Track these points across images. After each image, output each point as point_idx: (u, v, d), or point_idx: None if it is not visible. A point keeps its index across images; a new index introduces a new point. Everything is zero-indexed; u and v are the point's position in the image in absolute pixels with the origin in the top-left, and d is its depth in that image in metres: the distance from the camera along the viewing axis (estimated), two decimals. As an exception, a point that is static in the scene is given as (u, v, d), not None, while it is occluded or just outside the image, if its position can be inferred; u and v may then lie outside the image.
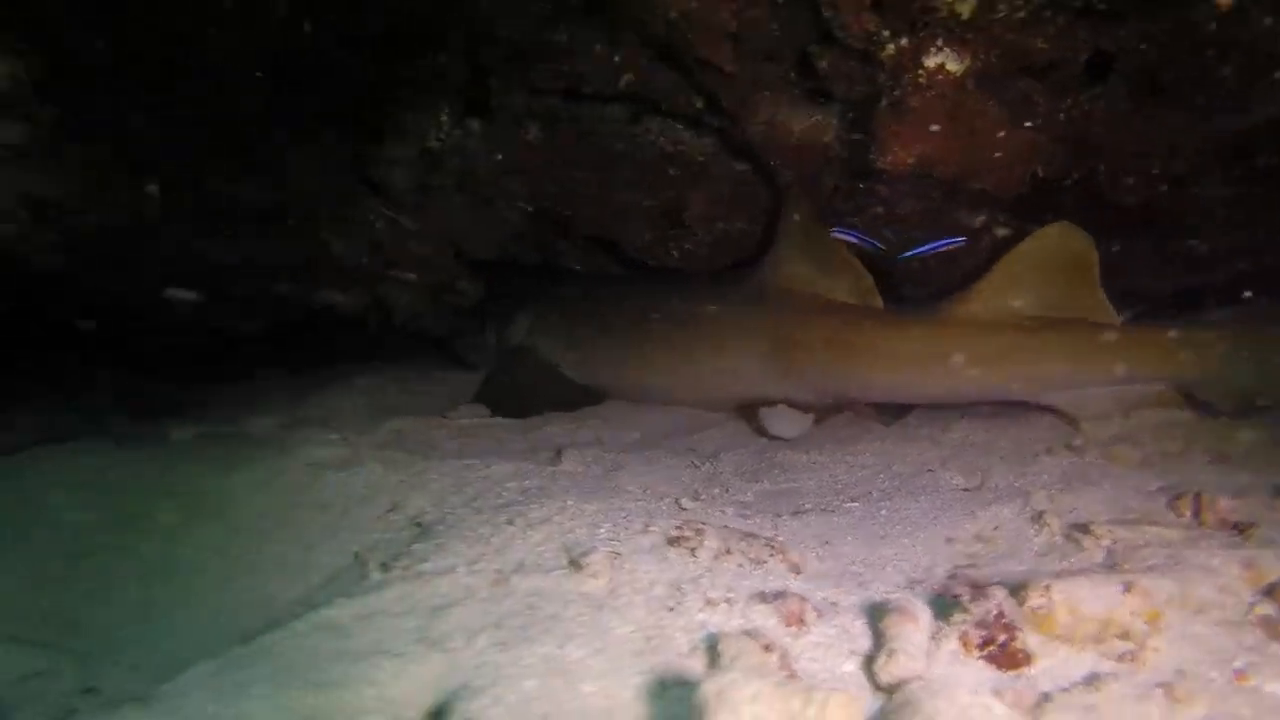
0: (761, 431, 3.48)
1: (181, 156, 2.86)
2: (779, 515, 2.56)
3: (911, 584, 2.11)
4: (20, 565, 2.71)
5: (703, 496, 2.74)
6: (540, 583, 1.76)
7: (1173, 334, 3.07)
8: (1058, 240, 3.10)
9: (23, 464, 3.23)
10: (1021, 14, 2.35)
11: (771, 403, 3.52)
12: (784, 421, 3.35)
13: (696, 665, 1.52)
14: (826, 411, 3.49)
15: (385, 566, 2.07)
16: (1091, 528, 2.19)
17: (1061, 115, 2.91)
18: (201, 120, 2.84)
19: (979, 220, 3.59)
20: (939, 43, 2.48)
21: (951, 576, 2.15)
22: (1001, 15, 2.35)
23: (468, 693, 1.38)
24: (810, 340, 3.53)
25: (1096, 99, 2.79)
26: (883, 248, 3.61)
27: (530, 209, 3.98)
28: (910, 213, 3.60)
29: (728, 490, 2.91)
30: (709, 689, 1.22)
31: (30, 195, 2.59)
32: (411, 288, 3.95)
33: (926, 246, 3.08)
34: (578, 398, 4.28)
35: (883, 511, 2.64)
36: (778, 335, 3.62)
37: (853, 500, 2.76)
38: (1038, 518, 2.40)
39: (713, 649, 1.52)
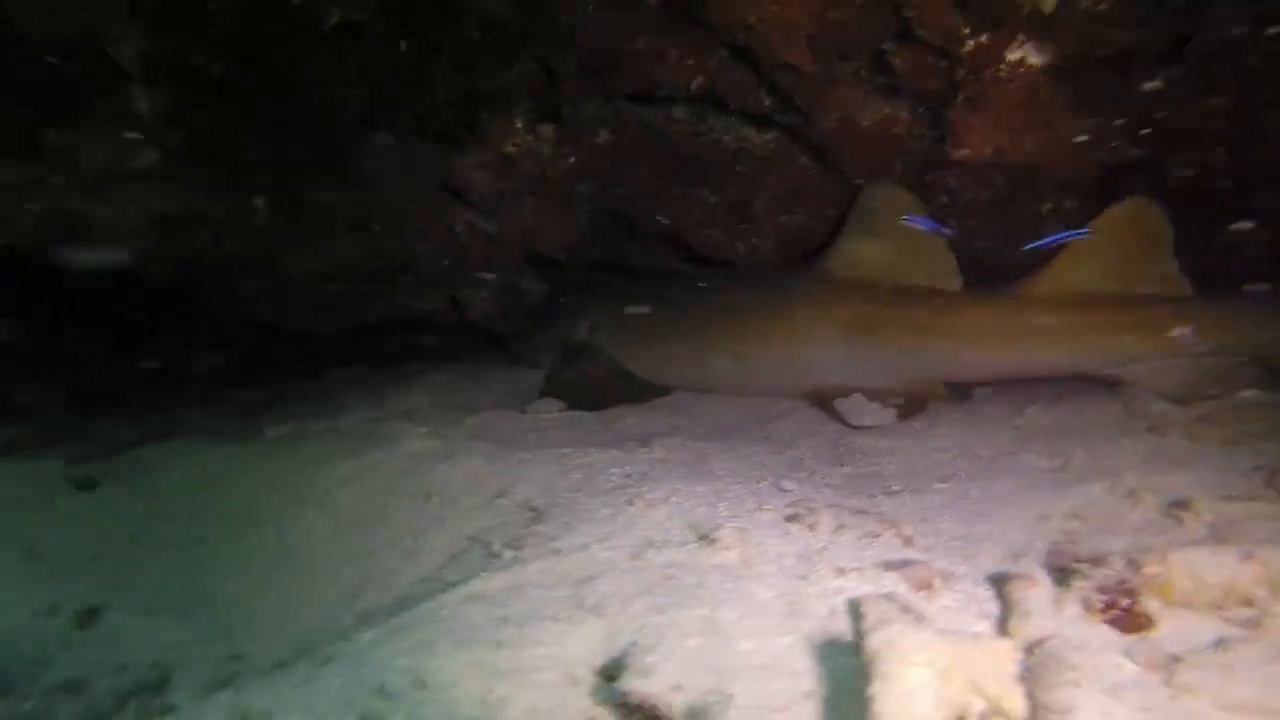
0: (841, 420, 3.56)
1: (285, 171, 3.02)
2: (873, 496, 2.65)
3: (1015, 557, 2.18)
4: (146, 548, 2.89)
5: (792, 479, 2.84)
6: (675, 556, 1.86)
7: (1243, 305, 3.14)
8: (1131, 215, 3.20)
9: (135, 461, 3.42)
10: (1104, 5, 2.42)
11: (845, 393, 3.59)
12: (866, 411, 3.43)
13: (839, 626, 1.62)
14: (908, 408, 3.54)
15: (514, 546, 2.19)
16: (1191, 503, 2.25)
17: (1135, 101, 2.98)
18: (304, 136, 2.99)
19: (1046, 207, 3.66)
20: (1020, 37, 2.56)
21: (1052, 551, 2.23)
22: (1085, 7, 2.42)
23: (639, 649, 1.49)
24: (886, 321, 3.59)
25: (1172, 84, 2.84)
26: (951, 233, 3.67)
27: (599, 210, 4.10)
28: (975, 201, 3.68)
29: (814, 474, 3.00)
30: (877, 640, 1.32)
31: (160, 213, 2.76)
32: (486, 287, 4.08)
33: (1049, 239, 3.19)
34: (643, 391, 4.38)
35: (973, 491, 2.71)
36: (851, 318, 3.69)
37: (941, 482, 2.84)
38: (1131, 495, 2.46)
39: (855, 610, 1.62)
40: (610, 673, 1.50)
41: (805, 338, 3.81)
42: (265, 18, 2.56)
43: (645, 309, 4.68)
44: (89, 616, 2.27)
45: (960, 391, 3.87)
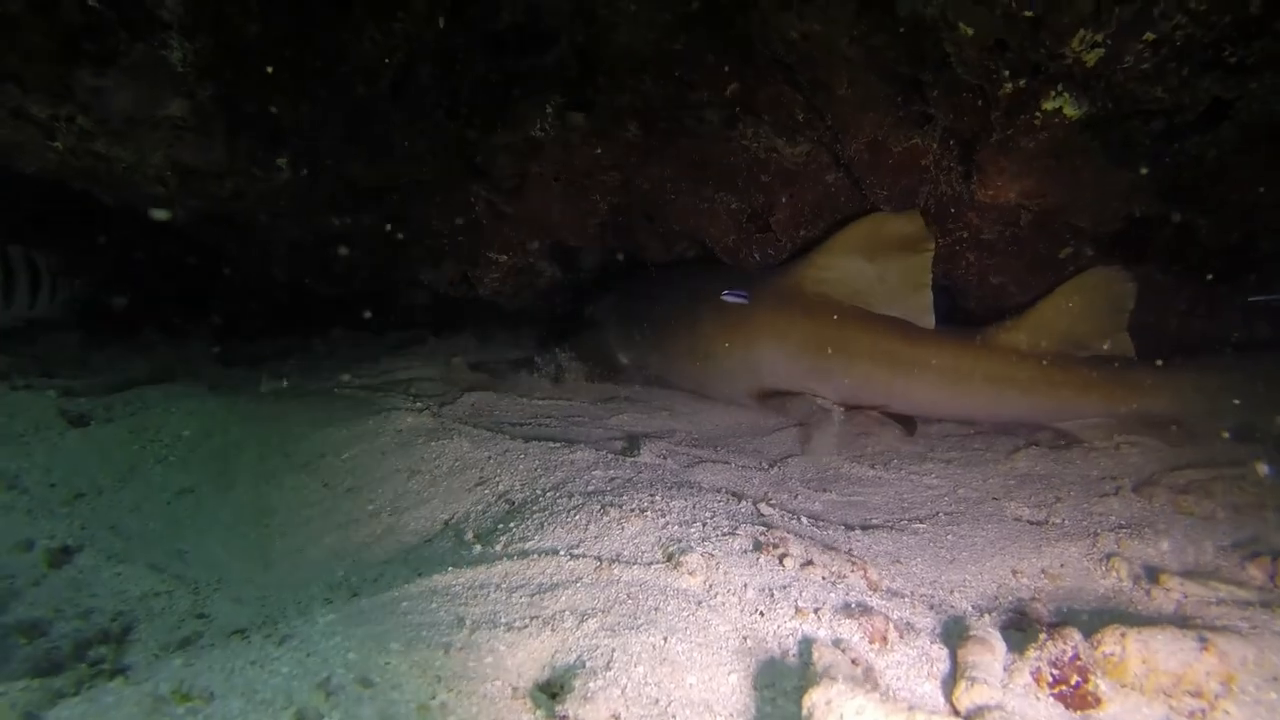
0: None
1: (310, 135, 3.01)
2: (850, 529, 2.65)
3: (980, 612, 2.19)
4: (131, 492, 2.92)
5: (774, 501, 2.84)
6: (640, 575, 1.87)
7: (1152, 372, 3.51)
8: (1101, 282, 3.48)
9: (130, 401, 3.45)
10: (1147, 65, 2.37)
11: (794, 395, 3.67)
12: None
13: (790, 669, 1.63)
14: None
15: (485, 540, 2.21)
16: (1161, 578, 2.24)
17: (1168, 159, 2.93)
18: (333, 103, 2.98)
19: (1065, 252, 3.62)
20: (1059, 86, 2.51)
21: (1018, 611, 2.23)
22: (1128, 65, 2.37)
23: (585, 672, 1.50)
24: (846, 344, 3.68)
25: (1208, 146, 2.79)
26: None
27: (621, 203, 4.08)
28: (995, 239, 3.64)
29: (796, 497, 3.00)
30: (817, 697, 1.32)
31: (181, 162, 2.77)
32: (498, 266, 4.09)
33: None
34: (628, 379, 4.45)
35: (949, 536, 2.71)
36: (809, 335, 3.75)
37: (920, 521, 2.84)
38: (1105, 561, 2.45)
39: (805, 656, 1.63)
40: (553, 690, 1.52)
41: (756, 349, 3.88)
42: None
43: (637, 298, 4.69)
44: (62, 556, 2.29)
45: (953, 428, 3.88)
